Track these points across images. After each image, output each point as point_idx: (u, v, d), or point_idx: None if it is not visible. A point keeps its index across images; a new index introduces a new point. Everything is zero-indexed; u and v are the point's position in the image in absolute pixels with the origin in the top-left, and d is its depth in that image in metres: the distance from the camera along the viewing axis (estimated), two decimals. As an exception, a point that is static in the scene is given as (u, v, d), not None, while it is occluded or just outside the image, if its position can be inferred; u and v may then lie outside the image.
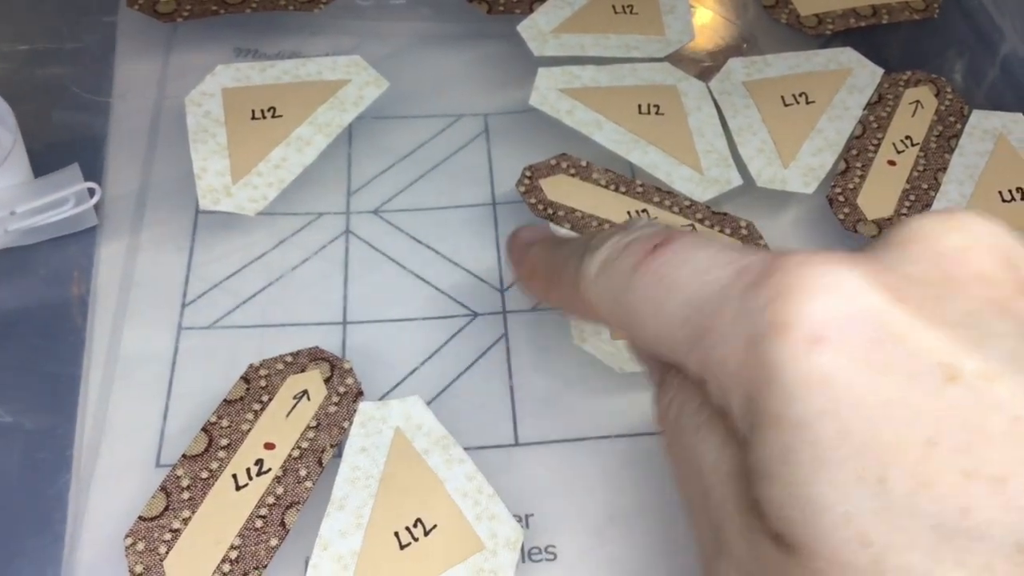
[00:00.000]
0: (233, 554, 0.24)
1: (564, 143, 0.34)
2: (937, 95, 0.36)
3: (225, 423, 0.26)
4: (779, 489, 0.13)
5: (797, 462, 0.13)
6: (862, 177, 0.33)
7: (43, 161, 0.31)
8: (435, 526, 0.25)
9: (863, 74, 0.36)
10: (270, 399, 0.27)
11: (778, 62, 0.37)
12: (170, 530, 0.24)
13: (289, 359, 0.28)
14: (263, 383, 0.27)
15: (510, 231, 0.25)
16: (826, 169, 0.33)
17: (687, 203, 0.32)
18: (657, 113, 0.34)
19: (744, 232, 0.31)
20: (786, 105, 0.35)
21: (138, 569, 0.24)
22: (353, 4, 0.39)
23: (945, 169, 0.33)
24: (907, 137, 0.34)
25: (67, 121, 0.34)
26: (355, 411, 0.26)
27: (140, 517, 0.24)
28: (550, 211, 0.31)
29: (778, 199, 0.33)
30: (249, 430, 0.26)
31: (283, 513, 0.25)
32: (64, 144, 0.33)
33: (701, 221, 0.31)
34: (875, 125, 0.35)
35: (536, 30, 0.36)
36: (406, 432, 0.26)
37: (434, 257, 0.31)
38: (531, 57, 0.36)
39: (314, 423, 0.26)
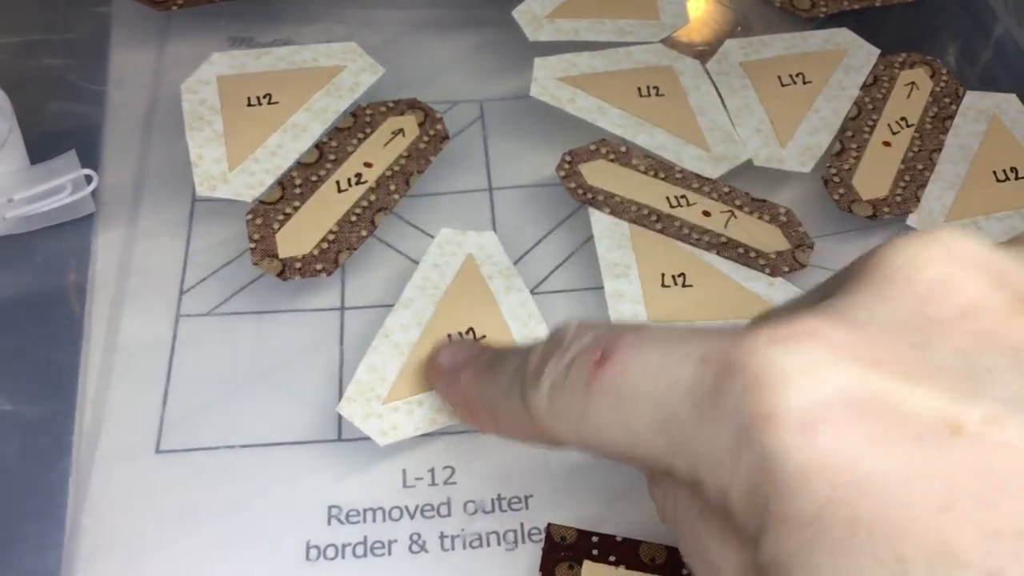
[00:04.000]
0: (331, 236, 0.29)
1: (560, 128, 0.34)
2: (932, 76, 0.36)
3: (334, 143, 0.32)
4: None
5: (810, 557, 0.12)
6: (857, 158, 0.33)
7: (40, 150, 0.31)
8: (484, 336, 0.28)
9: (859, 54, 0.36)
10: (372, 131, 0.32)
11: (775, 43, 0.37)
12: (283, 213, 0.30)
13: (391, 104, 0.33)
14: (367, 119, 0.33)
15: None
16: (823, 148, 0.33)
17: (726, 189, 0.32)
18: (657, 95, 0.34)
19: (783, 219, 0.31)
20: (783, 85, 0.35)
21: (256, 236, 0.29)
22: (347, -8, 0.39)
23: (940, 150, 0.34)
24: (902, 118, 0.34)
25: (63, 110, 0.34)
26: (441, 149, 0.32)
27: (260, 201, 0.30)
28: (590, 196, 0.31)
29: (776, 178, 0.33)
30: (352, 152, 0.32)
31: (373, 214, 0.30)
32: (60, 133, 0.33)
33: (740, 208, 0.31)
34: (870, 107, 0.35)
35: (531, 15, 0.36)
36: (477, 258, 0.30)
37: (431, 243, 0.31)
38: (526, 43, 0.36)
39: (406, 153, 0.32)
